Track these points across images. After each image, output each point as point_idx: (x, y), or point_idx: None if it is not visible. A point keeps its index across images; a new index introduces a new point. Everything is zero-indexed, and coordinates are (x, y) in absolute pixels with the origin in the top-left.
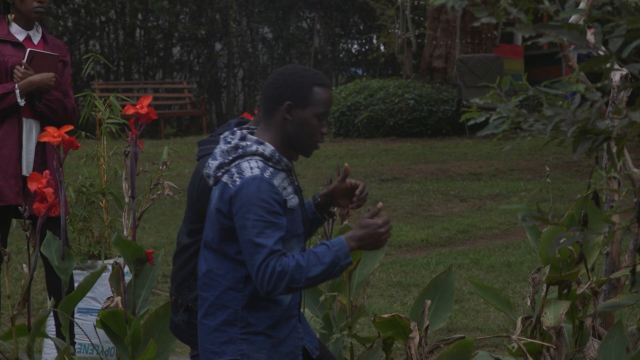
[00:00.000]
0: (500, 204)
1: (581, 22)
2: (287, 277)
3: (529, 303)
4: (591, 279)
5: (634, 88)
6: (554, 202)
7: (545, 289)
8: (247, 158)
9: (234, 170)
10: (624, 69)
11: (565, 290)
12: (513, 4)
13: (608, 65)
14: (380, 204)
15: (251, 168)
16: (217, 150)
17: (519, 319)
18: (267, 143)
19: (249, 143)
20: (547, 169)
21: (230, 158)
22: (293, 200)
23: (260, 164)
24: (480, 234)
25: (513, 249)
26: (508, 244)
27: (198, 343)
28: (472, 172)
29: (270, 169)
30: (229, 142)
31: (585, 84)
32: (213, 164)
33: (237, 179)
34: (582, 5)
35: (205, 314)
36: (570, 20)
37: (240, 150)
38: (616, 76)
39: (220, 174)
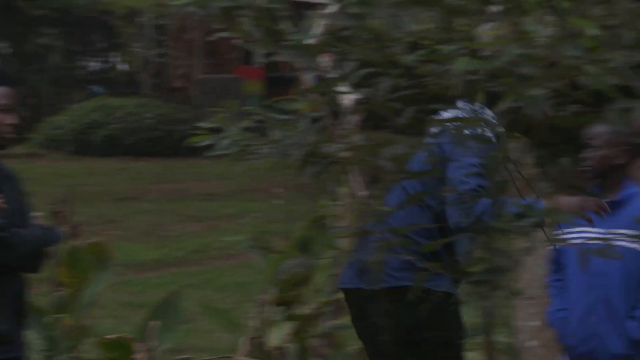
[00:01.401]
0: (234, 224)
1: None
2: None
3: (256, 323)
4: (316, 300)
5: (367, 113)
6: (286, 224)
7: (271, 309)
8: None
9: None
10: (356, 92)
11: (291, 311)
12: (253, 22)
13: (338, 86)
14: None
15: None
16: None
17: (245, 339)
18: None
19: None
20: (279, 190)
21: None
22: None
23: None
24: (214, 254)
25: (245, 269)
26: (241, 264)
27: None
28: (207, 193)
29: None
30: None
31: (313, 103)
32: None
33: None
34: (319, 29)
35: None
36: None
37: None
38: (347, 100)
39: None
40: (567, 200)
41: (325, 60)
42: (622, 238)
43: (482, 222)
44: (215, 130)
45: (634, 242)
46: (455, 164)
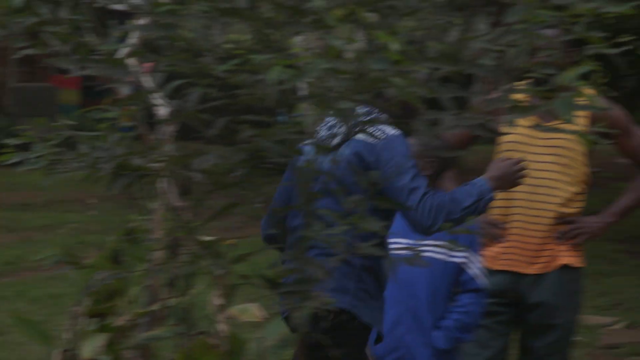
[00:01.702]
0: (49, 235)
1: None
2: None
3: (69, 335)
4: (130, 311)
5: (181, 124)
6: (104, 235)
7: (85, 321)
8: None
9: None
10: (169, 103)
11: (105, 323)
12: (58, 37)
13: (151, 97)
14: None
15: None
16: None
17: (57, 351)
18: None
19: None
20: (94, 201)
21: None
22: None
23: None
24: (27, 265)
25: (59, 281)
26: (54, 276)
27: None
28: (22, 203)
29: None
30: None
31: (126, 114)
32: None
33: None
34: (132, 40)
35: None
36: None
37: None
38: (163, 111)
39: None
40: (499, 167)
41: (139, 70)
42: (430, 249)
43: (452, 215)
44: (23, 146)
45: (441, 252)
46: (391, 169)
